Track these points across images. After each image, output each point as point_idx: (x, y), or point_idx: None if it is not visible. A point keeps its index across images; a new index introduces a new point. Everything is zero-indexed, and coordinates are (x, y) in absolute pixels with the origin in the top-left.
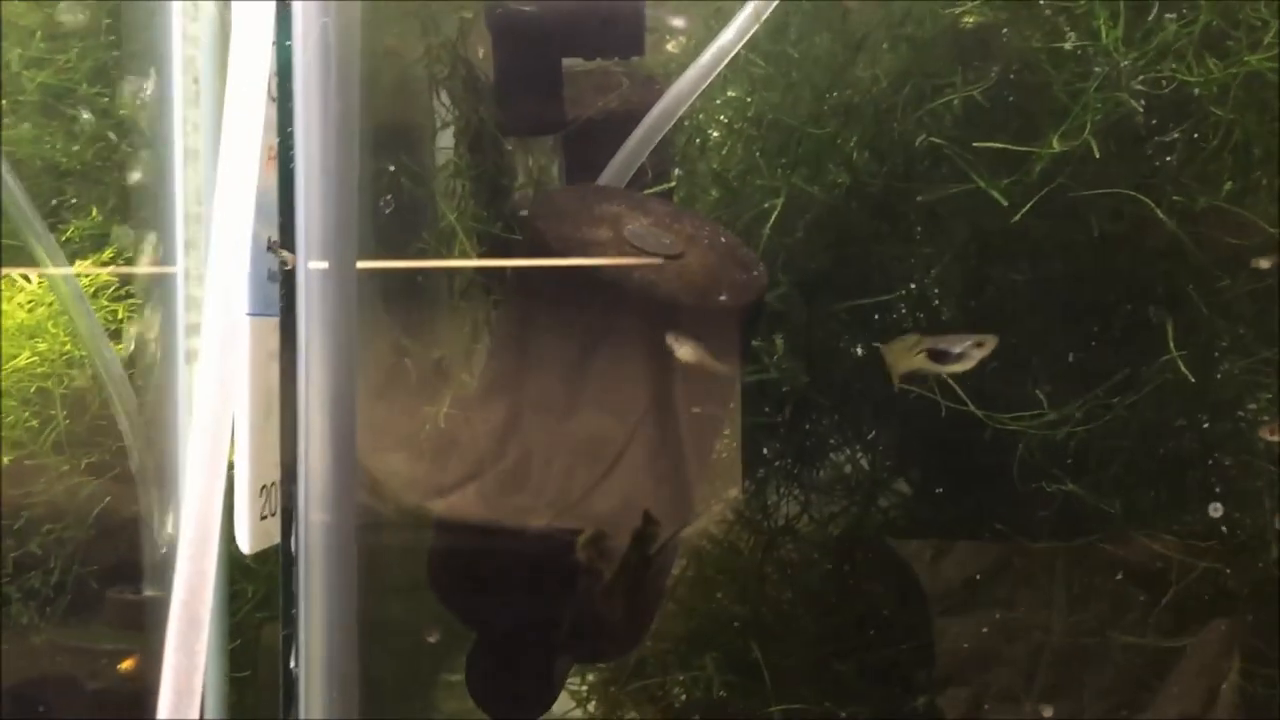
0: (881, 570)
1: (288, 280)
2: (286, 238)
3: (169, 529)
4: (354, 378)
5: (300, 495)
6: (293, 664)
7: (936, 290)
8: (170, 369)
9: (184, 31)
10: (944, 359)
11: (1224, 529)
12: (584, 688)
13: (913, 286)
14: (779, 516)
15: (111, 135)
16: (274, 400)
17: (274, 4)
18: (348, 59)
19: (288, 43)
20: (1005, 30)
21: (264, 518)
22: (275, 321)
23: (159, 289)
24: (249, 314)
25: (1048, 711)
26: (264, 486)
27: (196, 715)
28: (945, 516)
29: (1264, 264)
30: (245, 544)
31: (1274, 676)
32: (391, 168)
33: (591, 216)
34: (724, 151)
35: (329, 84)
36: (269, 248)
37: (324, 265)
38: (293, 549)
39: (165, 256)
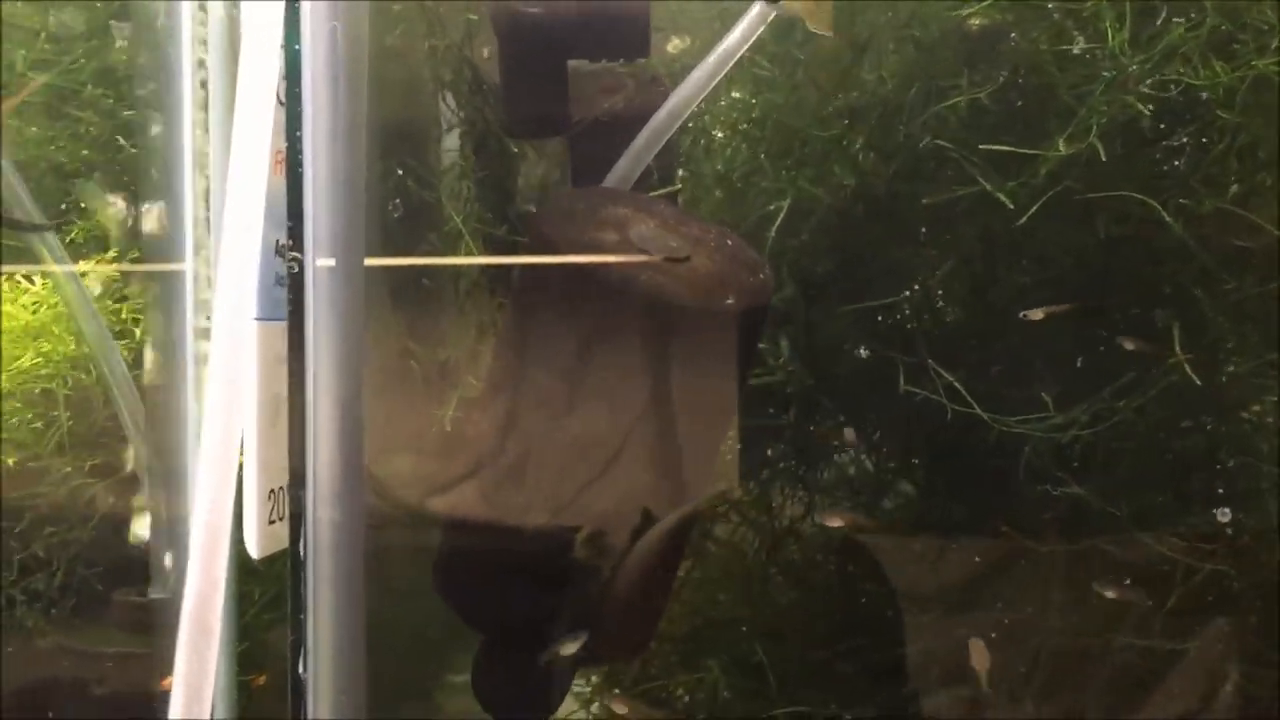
0: (881, 570)
1: (295, 282)
2: (295, 239)
3: (175, 530)
4: (361, 377)
5: (309, 498)
6: (301, 670)
7: (940, 293)
8: (177, 372)
9: (193, 34)
10: None
11: (1229, 530)
12: (588, 689)
13: (916, 288)
14: (783, 518)
15: (120, 139)
16: (281, 405)
17: (283, 5)
18: (356, 61)
19: (296, 46)
20: (1012, 34)
21: (272, 522)
22: (283, 326)
23: (166, 290)
24: (257, 319)
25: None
26: (272, 491)
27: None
28: (950, 518)
29: None
30: (254, 549)
31: (1276, 678)
32: (399, 171)
33: (598, 219)
34: (728, 154)
35: (337, 86)
36: (278, 251)
37: (331, 262)
38: (301, 553)
39: (174, 258)
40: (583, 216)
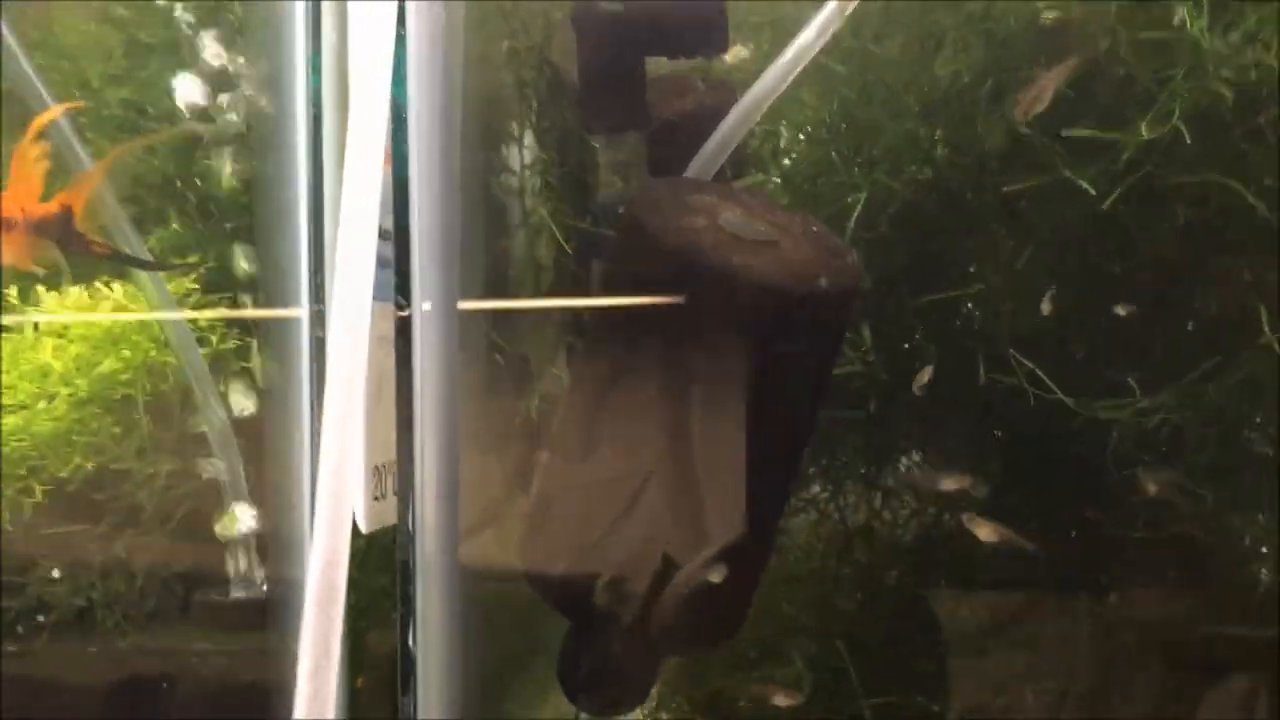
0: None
1: (405, 329)
2: (403, 292)
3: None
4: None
5: (417, 473)
6: (410, 642)
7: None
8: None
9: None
10: None
11: None
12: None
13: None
14: (857, 517)
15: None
16: (385, 382)
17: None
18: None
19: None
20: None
21: (378, 498)
22: (386, 306)
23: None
24: None
25: None
26: (378, 467)
27: (333, 702)
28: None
29: None
30: (362, 523)
31: None
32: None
33: (686, 206)
34: (799, 150)
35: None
36: (382, 235)
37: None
38: (411, 527)
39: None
40: (671, 204)
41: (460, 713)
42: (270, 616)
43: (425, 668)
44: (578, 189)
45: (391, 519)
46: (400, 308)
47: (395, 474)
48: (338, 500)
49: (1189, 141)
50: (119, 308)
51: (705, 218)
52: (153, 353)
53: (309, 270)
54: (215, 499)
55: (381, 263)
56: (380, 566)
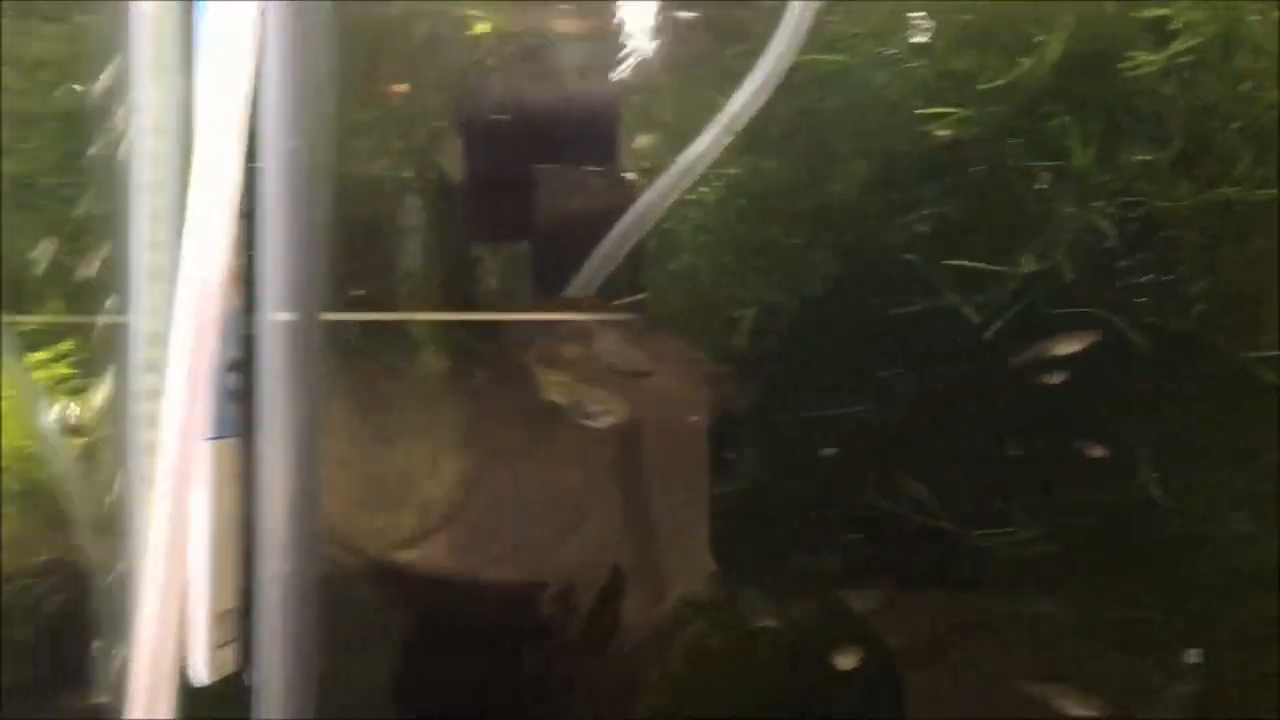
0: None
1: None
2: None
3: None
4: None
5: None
6: None
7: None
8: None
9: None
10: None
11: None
12: None
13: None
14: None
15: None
16: (236, 524)
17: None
18: (316, 178)
19: (255, 165)
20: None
21: (221, 645)
22: (233, 443)
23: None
24: (210, 439)
25: None
26: (222, 613)
27: None
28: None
29: None
30: (202, 673)
31: None
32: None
33: (560, 331)
34: (692, 259)
35: (298, 202)
36: (230, 367)
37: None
38: (249, 681)
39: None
40: (546, 329)
41: None
42: None
43: None
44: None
45: (233, 666)
46: None
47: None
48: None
49: (1071, 276)
50: None
51: (581, 345)
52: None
53: None
54: None
55: (228, 397)
56: None
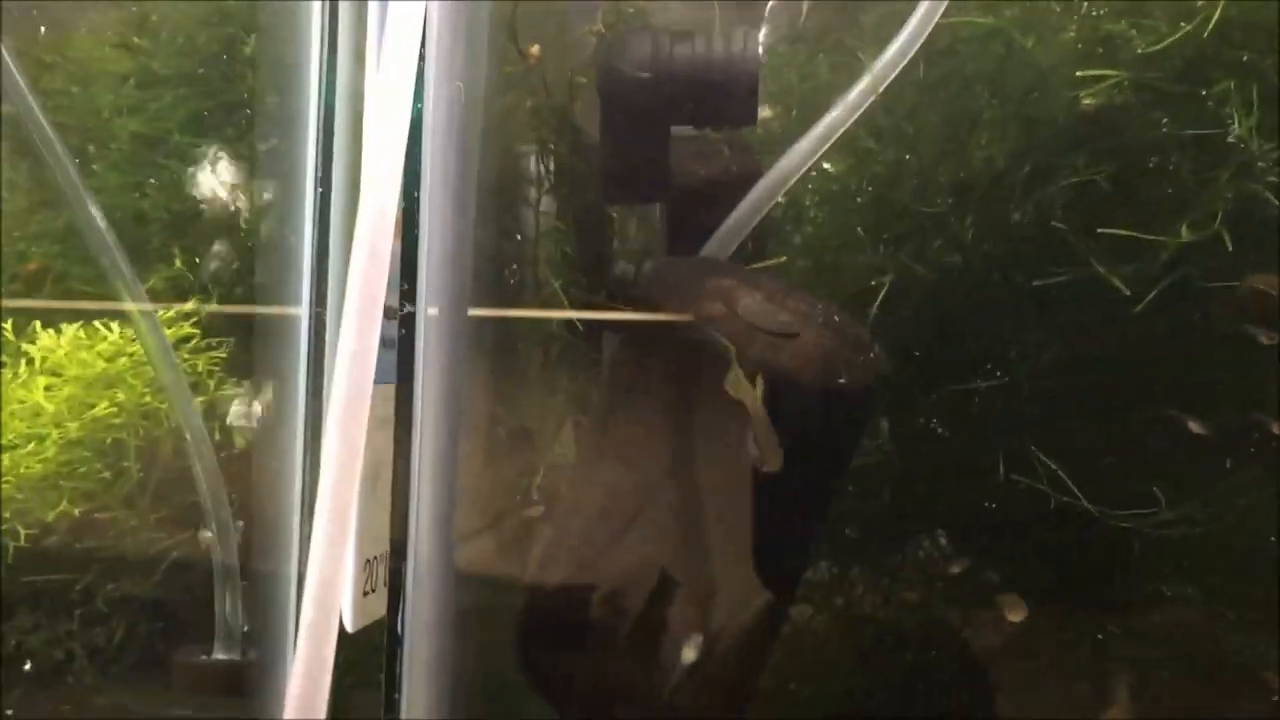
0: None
1: (406, 338)
2: (409, 295)
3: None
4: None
5: (409, 568)
6: None
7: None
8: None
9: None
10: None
11: None
12: None
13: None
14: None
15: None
16: (383, 469)
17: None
18: (473, 123)
19: (419, 105)
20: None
21: (367, 593)
22: (387, 389)
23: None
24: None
25: None
26: (369, 560)
27: None
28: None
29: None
30: (349, 621)
31: None
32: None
33: (704, 290)
34: (822, 226)
35: (459, 147)
36: (387, 314)
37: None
38: (399, 628)
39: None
40: (687, 287)
41: None
42: (251, 683)
43: None
44: (593, 261)
45: (380, 612)
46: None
47: (386, 566)
48: (325, 612)
49: (1229, 248)
50: (116, 348)
51: (723, 303)
52: (147, 398)
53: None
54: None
55: (385, 344)
56: None
